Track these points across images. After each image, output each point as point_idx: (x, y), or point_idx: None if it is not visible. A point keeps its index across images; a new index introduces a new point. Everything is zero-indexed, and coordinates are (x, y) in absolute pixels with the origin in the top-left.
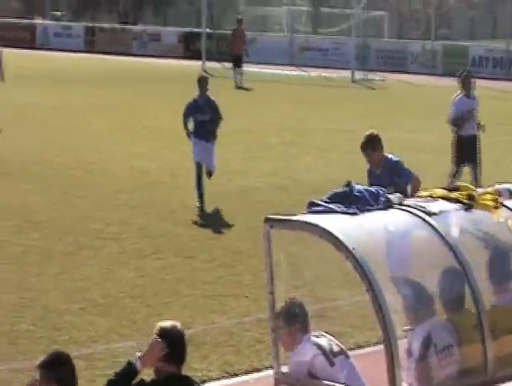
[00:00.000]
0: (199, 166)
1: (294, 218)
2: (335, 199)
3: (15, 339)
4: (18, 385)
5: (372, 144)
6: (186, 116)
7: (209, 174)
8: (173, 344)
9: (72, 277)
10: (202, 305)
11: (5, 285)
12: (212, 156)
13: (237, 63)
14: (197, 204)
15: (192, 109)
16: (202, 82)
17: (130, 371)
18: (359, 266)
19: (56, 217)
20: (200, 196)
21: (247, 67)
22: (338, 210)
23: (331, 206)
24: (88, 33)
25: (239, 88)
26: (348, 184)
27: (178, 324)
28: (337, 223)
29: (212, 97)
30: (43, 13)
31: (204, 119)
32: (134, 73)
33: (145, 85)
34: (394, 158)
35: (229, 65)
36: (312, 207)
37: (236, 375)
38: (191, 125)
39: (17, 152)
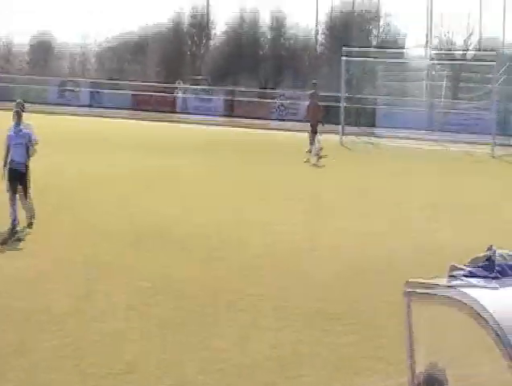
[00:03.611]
0: None
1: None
2: (475, 262)
3: None
4: None
5: None
6: None
7: None
8: None
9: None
10: (340, 369)
11: (143, 351)
12: None
13: (313, 131)
14: None
15: None
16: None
17: None
18: (497, 336)
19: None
20: None
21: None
22: (479, 274)
23: (471, 269)
24: (229, 97)
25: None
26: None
27: None
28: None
29: None
30: (184, 77)
31: None
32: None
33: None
34: None
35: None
36: (454, 272)
37: None
38: None
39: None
